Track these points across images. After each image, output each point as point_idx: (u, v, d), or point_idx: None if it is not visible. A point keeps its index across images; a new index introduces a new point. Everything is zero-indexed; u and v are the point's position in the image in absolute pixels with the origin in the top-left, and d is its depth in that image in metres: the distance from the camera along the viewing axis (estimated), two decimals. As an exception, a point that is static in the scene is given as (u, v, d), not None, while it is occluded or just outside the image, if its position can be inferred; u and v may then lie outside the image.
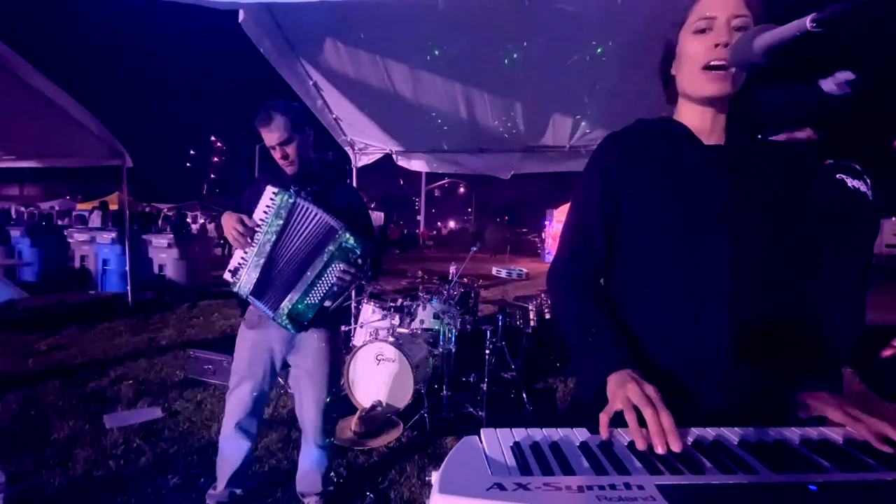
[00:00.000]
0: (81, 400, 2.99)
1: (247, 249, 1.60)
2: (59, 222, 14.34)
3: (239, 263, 1.62)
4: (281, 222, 1.57)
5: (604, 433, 0.66)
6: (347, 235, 1.56)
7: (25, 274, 7.53)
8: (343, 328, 3.92)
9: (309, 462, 1.89)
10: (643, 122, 0.94)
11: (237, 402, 1.76)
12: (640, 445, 0.61)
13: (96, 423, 2.68)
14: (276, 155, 1.64)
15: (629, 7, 2.05)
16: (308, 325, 1.67)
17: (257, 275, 1.60)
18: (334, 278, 1.60)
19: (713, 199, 0.83)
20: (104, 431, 2.59)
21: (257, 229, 1.59)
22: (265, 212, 1.59)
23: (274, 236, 1.58)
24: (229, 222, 1.59)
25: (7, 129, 4.88)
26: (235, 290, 1.63)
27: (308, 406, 1.81)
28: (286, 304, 1.61)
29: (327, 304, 1.66)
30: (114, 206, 12.38)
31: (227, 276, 1.64)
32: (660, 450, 0.60)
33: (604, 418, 0.67)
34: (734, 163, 0.84)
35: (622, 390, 0.70)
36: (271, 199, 1.59)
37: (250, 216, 1.62)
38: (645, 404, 0.66)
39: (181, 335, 4.69)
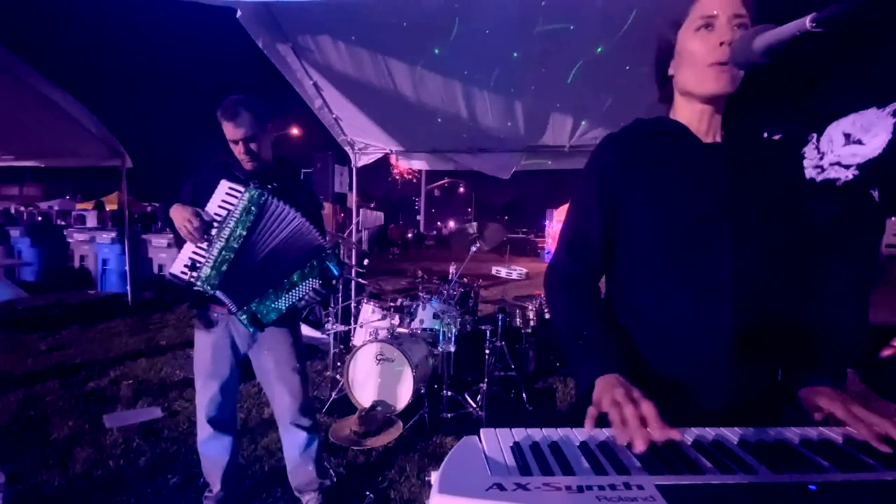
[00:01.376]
0: (81, 400, 2.99)
1: (202, 244, 1.56)
2: (60, 222, 14.34)
3: (194, 258, 1.56)
4: (252, 218, 1.55)
5: (588, 426, 0.65)
6: (332, 256, 1.60)
7: (25, 274, 7.54)
8: (343, 328, 3.94)
9: (296, 449, 1.86)
10: (641, 121, 0.94)
11: (207, 402, 1.76)
12: (621, 439, 0.61)
13: (96, 423, 2.68)
14: (239, 150, 1.61)
15: (628, 6, 2.05)
16: (264, 327, 1.65)
17: (226, 269, 1.55)
18: (306, 292, 1.62)
19: (714, 197, 0.83)
20: (104, 431, 2.58)
21: (215, 224, 1.56)
22: (222, 206, 1.56)
23: (245, 231, 1.55)
24: (182, 214, 1.52)
25: (7, 129, 4.88)
26: (198, 284, 1.54)
27: (281, 392, 1.80)
28: (253, 303, 1.60)
29: (287, 310, 1.65)
30: (113, 206, 12.37)
31: (179, 270, 1.55)
32: (639, 446, 0.59)
33: (592, 411, 0.67)
34: (733, 160, 0.85)
35: (608, 394, 0.69)
36: (229, 193, 1.56)
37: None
38: (626, 401, 0.65)
39: (181, 335, 4.69)
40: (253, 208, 1.55)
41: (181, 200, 1.62)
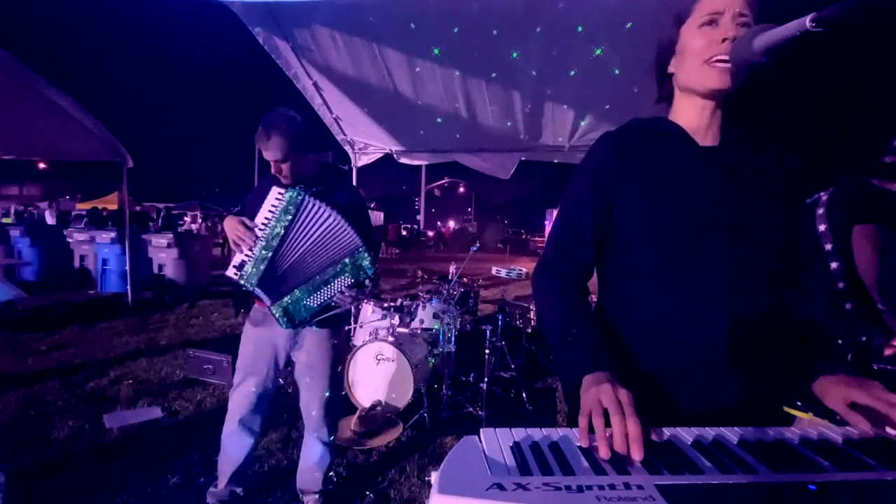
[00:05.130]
0: (81, 400, 2.99)
1: (251, 246, 1.65)
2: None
3: (243, 259, 1.66)
4: (290, 217, 1.62)
5: (583, 440, 0.63)
6: (366, 255, 1.64)
7: (25, 274, 7.53)
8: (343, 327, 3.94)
9: (311, 456, 1.90)
10: (637, 121, 0.94)
11: (241, 398, 1.78)
12: (603, 453, 0.59)
13: (96, 422, 2.68)
14: (273, 167, 1.67)
15: (628, 7, 2.05)
16: (298, 325, 1.70)
17: (264, 267, 1.63)
18: (336, 291, 1.65)
19: (710, 200, 0.83)
20: (104, 431, 2.59)
21: (261, 228, 1.64)
22: (271, 210, 1.64)
23: (282, 230, 1.62)
24: (231, 225, 1.66)
25: (8, 131, 4.87)
26: (242, 282, 1.66)
27: (311, 400, 1.83)
28: (286, 299, 1.65)
29: (319, 308, 1.69)
30: (112, 206, 12.35)
31: (230, 272, 1.67)
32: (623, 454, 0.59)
33: (583, 422, 0.65)
34: (730, 163, 0.84)
35: (595, 390, 0.68)
36: (277, 197, 1.64)
37: (254, 218, 1.67)
38: (614, 410, 0.64)
39: (181, 335, 4.69)
40: (290, 208, 1.62)
41: (244, 211, 1.75)
